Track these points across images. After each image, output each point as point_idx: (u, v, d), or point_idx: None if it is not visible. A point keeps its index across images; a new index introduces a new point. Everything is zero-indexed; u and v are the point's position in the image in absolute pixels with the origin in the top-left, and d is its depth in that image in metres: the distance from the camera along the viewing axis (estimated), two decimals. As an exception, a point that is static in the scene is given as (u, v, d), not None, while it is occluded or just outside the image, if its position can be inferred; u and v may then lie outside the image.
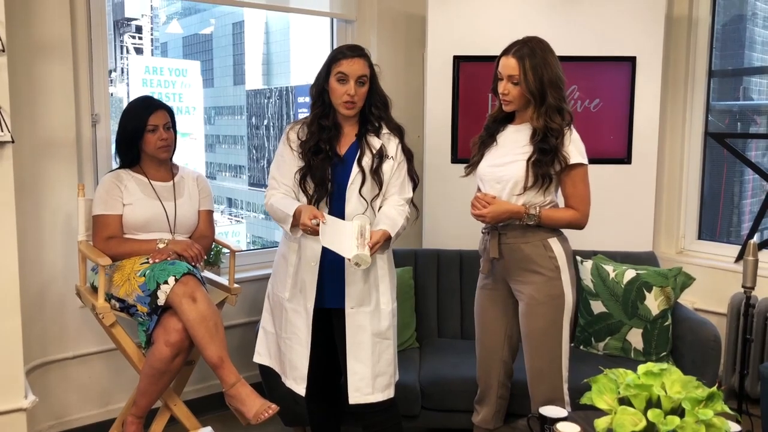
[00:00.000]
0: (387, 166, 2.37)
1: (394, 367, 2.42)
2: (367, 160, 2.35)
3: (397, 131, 2.42)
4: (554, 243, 2.34)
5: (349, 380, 2.34)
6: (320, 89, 2.37)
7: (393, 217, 2.33)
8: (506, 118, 2.44)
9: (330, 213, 2.29)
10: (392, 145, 2.39)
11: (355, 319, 2.34)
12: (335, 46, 3.69)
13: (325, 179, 2.32)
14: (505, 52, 2.32)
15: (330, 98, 2.35)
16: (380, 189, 2.36)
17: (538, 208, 2.29)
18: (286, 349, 2.42)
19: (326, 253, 2.31)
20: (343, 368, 2.39)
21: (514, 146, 2.36)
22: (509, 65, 2.29)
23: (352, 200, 2.32)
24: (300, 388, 2.39)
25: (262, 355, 2.56)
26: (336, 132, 2.38)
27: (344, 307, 2.35)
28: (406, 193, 2.42)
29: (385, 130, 2.40)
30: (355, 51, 2.33)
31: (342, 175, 2.34)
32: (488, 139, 2.45)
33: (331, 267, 2.35)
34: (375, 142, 2.37)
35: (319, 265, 2.34)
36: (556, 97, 2.27)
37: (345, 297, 2.34)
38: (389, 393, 2.39)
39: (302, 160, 2.36)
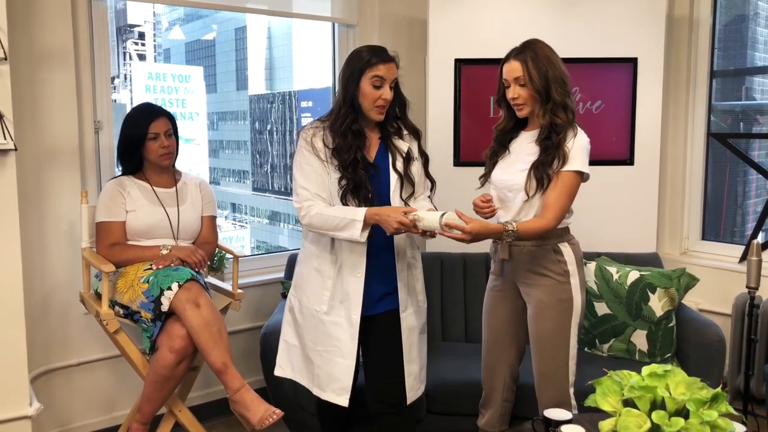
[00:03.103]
0: (415, 168, 2.39)
1: None
2: (399, 164, 2.35)
3: (415, 133, 2.43)
4: (564, 247, 2.33)
5: (406, 381, 2.37)
6: (350, 95, 2.29)
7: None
8: (515, 128, 2.43)
9: None
10: (414, 146, 2.42)
11: (408, 321, 2.38)
12: (337, 51, 3.72)
13: (368, 193, 2.29)
14: (507, 58, 2.33)
15: (359, 103, 2.29)
16: (413, 190, 2.39)
17: (514, 224, 2.21)
18: (323, 362, 2.35)
19: (369, 261, 2.31)
20: (381, 371, 2.39)
21: (523, 153, 2.35)
22: (513, 69, 2.30)
23: (395, 206, 2.31)
24: (342, 399, 2.32)
25: (284, 368, 2.49)
26: (365, 139, 2.34)
27: (379, 312, 2.36)
28: (428, 191, 2.47)
29: (405, 132, 2.41)
30: (389, 55, 2.31)
31: (377, 182, 2.32)
32: (500, 148, 2.44)
33: (374, 275, 2.33)
34: (401, 145, 2.37)
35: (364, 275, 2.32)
36: (561, 92, 2.28)
37: (398, 301, 2.36)
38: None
39: (339, 172, 2.28)
